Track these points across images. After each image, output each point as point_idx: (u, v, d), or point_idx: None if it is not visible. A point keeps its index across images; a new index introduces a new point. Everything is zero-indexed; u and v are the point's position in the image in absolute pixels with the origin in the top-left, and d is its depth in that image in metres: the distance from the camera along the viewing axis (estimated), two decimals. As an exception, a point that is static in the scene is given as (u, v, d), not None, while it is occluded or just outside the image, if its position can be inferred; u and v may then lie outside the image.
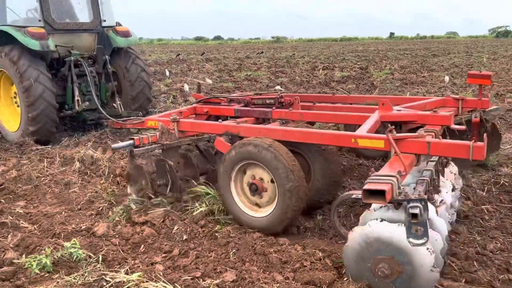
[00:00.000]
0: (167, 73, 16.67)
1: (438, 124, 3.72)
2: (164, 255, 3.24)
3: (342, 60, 23.02)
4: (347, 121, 4.38)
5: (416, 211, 2.42)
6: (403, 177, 2.75)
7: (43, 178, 4.92)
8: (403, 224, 2.50)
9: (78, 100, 6.54)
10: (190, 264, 3.07)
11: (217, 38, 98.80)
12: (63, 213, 4.01)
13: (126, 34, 7.15)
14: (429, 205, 2.61)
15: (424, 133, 3.12)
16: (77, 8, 7.36)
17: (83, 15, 7.25)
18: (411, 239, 2.46)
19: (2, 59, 6.32)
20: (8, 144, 6.28)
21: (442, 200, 3.06)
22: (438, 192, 3.14)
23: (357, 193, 2.74)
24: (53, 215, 3.95)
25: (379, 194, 2.47)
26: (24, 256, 3.08)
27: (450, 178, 3.53)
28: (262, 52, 33.02)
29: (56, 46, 6.54)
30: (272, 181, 3.46)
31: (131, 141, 4.14)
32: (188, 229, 3.57)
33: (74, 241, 3.25)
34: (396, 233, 2.51)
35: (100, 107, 6.43)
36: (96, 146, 5.96)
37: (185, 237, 3.48)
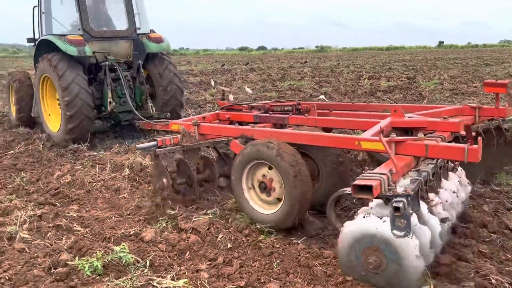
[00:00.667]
0: (212, 83, 16.95)
1: (447, 130, 3.82)
2: (209, 262, 3.28)
3: (388, 69, 22.54)
4: (360, 127, 4.43)
5: (399, 205, 2.57)
6: (395, 175, 2.90)
7: (95, 183, 5.14)
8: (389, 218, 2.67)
9: (110, 101, 6.90)
10: (234, 273, 3.09)
11: (261, 48, 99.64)
12: (113, 218, 4.15)
13: (158, 40, 7.53)
14: (421, 202, 2.85)
15: (423, 137, 3.28)
16: (114, 17, 7.82)
17: (120, 24, 7.71)
18: (394, 231, 2.64)
19: (45, 65, 6.83)
20: (64, 150, 6.61)
21: (437, 199, 3.18)
22: (436, 192, 3.28)
23: (349, 189, 2.85)
24: (103, 220, 4.10)
25: (367, 189, 2.65)
26: (77, 258, 3.21)
27: (454, 182, 3.66)
28: (306, 62, 32.96)
29: (93, 52, 7.02)
30: (279, 181, 3.65)
31: (154, 142, 4.47)
32: (232, 238, 3.60)
33: (123, 245, 3.36)
34: (382, 226, 2.68)
35: (134, 109, 6.76)
36: (144, 153, 6.15)
37: (229, 245, 3.51)
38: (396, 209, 2.59)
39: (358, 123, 4.49)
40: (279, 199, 3.74)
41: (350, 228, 2.84)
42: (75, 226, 3.93)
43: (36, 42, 7.63)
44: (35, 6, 7.74)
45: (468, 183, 3.99)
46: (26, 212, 4.20)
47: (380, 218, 2.73)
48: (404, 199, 2.60)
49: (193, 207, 4.29)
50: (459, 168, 3.91)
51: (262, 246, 3.46)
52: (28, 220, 4.03)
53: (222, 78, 20.10)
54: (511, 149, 4.97)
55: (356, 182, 2.74)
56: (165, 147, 4.48)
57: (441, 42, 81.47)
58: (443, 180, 3.53)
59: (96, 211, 4.39)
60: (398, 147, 3.27)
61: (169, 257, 3.36)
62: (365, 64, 27.90)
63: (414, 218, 2.74)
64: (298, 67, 27.25)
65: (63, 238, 3.64)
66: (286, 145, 3.68)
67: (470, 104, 4.94)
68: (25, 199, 4.69)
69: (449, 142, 3.64)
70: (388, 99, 11.36)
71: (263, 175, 3.82)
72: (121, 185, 5.01)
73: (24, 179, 5.36)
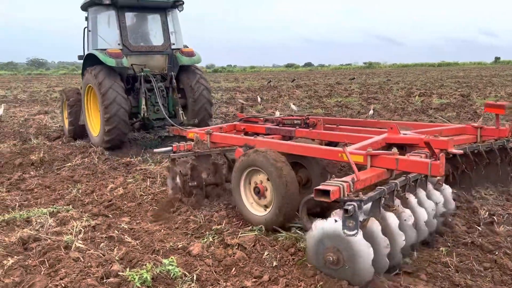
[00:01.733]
0: (259, 100, 17.16)
1: (437, 147, 3.95)
2: (254, 280, 3.27)
3: (440, 86, 21.81)
4: (357, 141, 4.55)
5: (349, 207, 2.88)
6: (357, 183, 3.21)
7: (145, 196, 5.30)
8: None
9: (144, 109, 7.68)
10: (280, 291, 3.05)
11: (308, 64, 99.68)
12: (162, 231, 4.26)
13: (190, 54, 8.27)
14: (382, 210, 3.26)
15: (396, 151, 3.59)
16: (151, 34, 8.65)
17: (156, 40, 8.52)
18: (345, 231, 2.95)
19: (89, 76, 7.66)
20: (117, 163, 6.90)
21: (401, 208, 3.45)
22: (405, 203, 3.55)
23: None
24: (153, 232, 4.21)
25: (326, 193, 2.99)
26: (128, 269, 3.31)
27: (433, 196, 3.94)
28: (354, 78, 32.56)
29: (132, 65, 7.89)
30: (270, 185, 4.04)
31: (170, 148, 5.07)
32: (278, 256, 3.57)
33: (171, 258, 3.43)
34: (338, 226, 3.00)
35: (166, 116, 7.56)
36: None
37: (275, 263, 3.49)
38: (346, 211, 2.90)
39: (356, 138, 4.69)
40: (270, 203, 4.10)
41: (316, 228, 3.18)
42: (126, 238, 4.06)
43: (83, 60, 8.47)
44: (85, 28, 8.63)
45: (454, 199, 4.26)
46: (81, 222, 4.40)
47: (336, 221, 3.05)
48: (354, 203, 2.91)
49: (239, 223, 4.32)
50: (444, 185, 4.16)
51: (308, 265, 3.40)
52: (83, 230, 4.22)
53: (268, 95, 20.25)
54: None
55: (319, 187, 3.08)
56: (179, 152, 4.99)
57: (497, 58, 77.82)
58: (420, 194, 3.79)
59: (146, 223, 4.52)
60: (373, 160, 3.62)
61: (215, 272, 3.39)
62: (415, 81, 27.15)
63: (372, 221, 3.12)
64: (345, 84, 26.98)
65: (115, 249, 3.76)
66: (275, 153, 4.05)
67: (473, 124, 5.18)
68: (81, 210, 4.93)
69: (437, 158, 3.81)
70: (440, 117, 10.96)
71: (258, 181, 4.21)
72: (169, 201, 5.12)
73: (80, 191, 5.64)
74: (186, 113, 8.16)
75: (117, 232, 4.19)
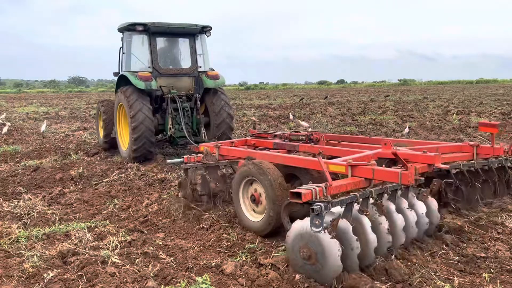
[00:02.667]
0: (291, 117, 17.16)
1: (424, 162, 4.40)
2: (287, 301, 3.22)
3: (479, 104, 21.16)
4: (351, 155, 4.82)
5: (316, 207, 3.27)
6: (330, 188, 3.56)
7: (183, 212, 5.35)
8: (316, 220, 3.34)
9: (170, 128, 8.35)
10: (314, 314, 2.99)
11: (340, 81, 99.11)
12: (195, 248, 4.28)
13: (215, 77, 8.79)
14: (356, 213, 3.61)
15: (373, 163, 3.97)
16: (180, 57, 9.27)
17: (184, 63, 9.13)
18: (312, 228, 3.33)
19: (121, 96, 8.27)
20: (152, 179, 7.03)
21: (375, 214, 3.74)
22: (381, 210, 3.79)
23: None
24: (187, 249, 4.24)
25: (299, 196, 3.37)
26: (162, 286, 3.34)
27: (415, 206, 4.17)
28: (388, 96, 32.08)
29: (160, 86, 8.49)
30: (264, 193, 4.37)
31: (181, 159, 5.59)
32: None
33: (205, 277, 3.43)
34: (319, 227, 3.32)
35: (187, 135, 8.27)
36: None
37: (306, 285, 3.42)
38: (313, 210, 3.28)
39: (352, 152, 4.94)
40: (263, 210, 4.43)
41: (293, 228, 3.56)
42: (161, 254, 4.10)
43: (117, 77, 9.12)
44: (120, 47, 9.30)
45: (439, 211, 4.45)
46: (117, 237, 4.49)
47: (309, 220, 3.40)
48: (321, 204, 3.30)
49: (272, 242, 4.29)
50: (430, 198, 4.38)
51: (343, 289, 3.33)
52: (119, 245, 4.30)
53: (300, 112, 20.23)
54: None
55: (292, 190, 3.47)
56: (189, 163, 5.49)
57: (540, 74, 74.78)
58: (400, 203, 4.05)
59: (180, 240, 4.56)
60: (353, 170, 3.99)
61: (248, 292, 3.36)
62: (452, 98, 26.47)
63: (343, 222, 3.47)
64: (379, 101, 26.62)
65: (150, 265, 3.81)
66: (268, 164, 4.42)
67: (470, 142, 5.42)
68: (117, 225, 5.03)
69: (425, 172, 4.32)
70: (479, 136, 10.59)
71: (254, 190, 4.56)
72: (203, 216, 5.16)
73: (117, 206, 5.77)
74: (209, 131, 8.77)
75: (152, 248, 4.24)
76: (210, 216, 5.12)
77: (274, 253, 3.98)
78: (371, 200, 3.82)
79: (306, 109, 21.79)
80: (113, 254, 4.03)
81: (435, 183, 4.77)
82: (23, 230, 4.83)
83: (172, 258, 4.03)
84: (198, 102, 8.67)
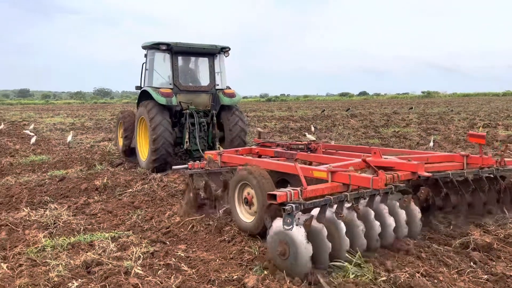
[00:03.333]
0: (312, 129, 17.10)
1: (408, 170, 4.65)
2: (310, 317, 3.17)
3: (506, 117, 20.64)
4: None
5: (288, 207, 3.63)
6: (305, 191, 3.95)
7: (201, 224, 5.37)
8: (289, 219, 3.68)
9: (186, 141, 8.91)
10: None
11: (362, 93, 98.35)
12: (217, 260, 4.27)
13: (231, 95, 9.34)
14: (331, 215, 3.96)
15: (352, 169, 4.35)
16: (199, 75, 9.84)
17: (203, 81, 9.71)
18: (284, 226, 3.69)
19: (143, 110, 8.81)
20: (174, 190, 7.10)
21: (349, 216, 4.06)
22: (357, 212, 4.10)
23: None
24: (208, 262, 4.24)
25: (274, 197, 3.76)
26: (184, 298, 3.34)
27: (394, 211, 4.42)
28: (412, 108, 31.65)
29: (180, 102, 9.01)
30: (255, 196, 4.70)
31: (186, 165, 5.99)
32: (335, 293, 3.46)
33: (227, 290, 3.41)
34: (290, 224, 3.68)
35: (199, 148, 8.82)
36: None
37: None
38: (284, 209, 3.63)
39: (341, 160, 5.23)
40: (255, 212, 4.75)
41: (272, 227, 3.91)
42: (183, 266, 4.11)
43: (140, 91, 9.57)
44: (143, 63, 9.77)
45: (421, 219, 4.68)
46: (140, 248, 4.53)
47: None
48: (292, 205, 3.65)
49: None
50: (413, 206, 4.65)
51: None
52: (142, 256, 4.33)
53: (322, 124, 20.14)
54: (506, 196, 5.47)
55: (270, 192, 3.87)
56: (193, 170, 5.88)
57: None
58: (378, 207, 4.32)
59: (201, 252, 4.56)
60: (333, 175, 4.35)
61: (270, 306, 3.32)
62: (478, 111, 25.92)
63: (316, 222, 3.84)
64: (403, 113, 26.28)
65: (172, 277, 3.82)
66: (259, 169, 4.78)
67: (461, 153, 5.67)
68: (140, 235, 5.08)
69: (409, 179, 4.66)
70: (509, 151, 10.29)
71: (247, 193, 4.87)
72: (225, 229, 5.16)
73: (140, 217, 5.83)
74: (224, 145, 9.22)
75: (174, 259, 4.26)
76: (232, 228, 5.13)
77: (296, 267, 3.93)
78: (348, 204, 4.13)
79: (328, 121, 21.68)
80: (136, 265, 4.07)
81: (423, 191, 4.99)
82: (49, 239, 4.93)
83: (194, 270, 4.03)
84: (215, 118, 9.27)
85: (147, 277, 3.80)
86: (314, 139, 13.16)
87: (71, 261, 4.22)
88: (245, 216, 4.99)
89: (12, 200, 6.82)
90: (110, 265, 4.08)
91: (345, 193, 4.10)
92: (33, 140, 14.38)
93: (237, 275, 3.86)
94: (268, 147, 6.88)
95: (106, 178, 7.90)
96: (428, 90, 78.55)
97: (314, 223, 3.81)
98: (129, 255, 4.36)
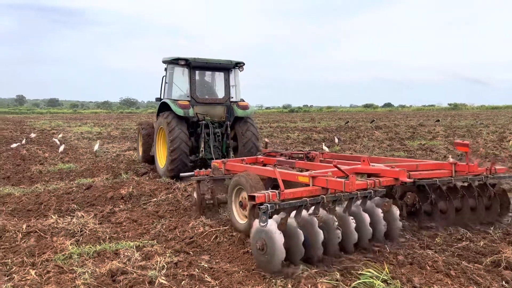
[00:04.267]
0: (336, 140, 16.96)
1: (391, 176, 5.13)
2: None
3: (538, 130, 19.97)
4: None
5: (263, 206, 4.12)
6: (283, 194, 4.42)
7: (225, 235, 5.37)
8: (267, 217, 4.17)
9: (201, 150, 9.41)
10: None
11: (387, 105, 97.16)
12: (240, 272, 4.25)
13: (244, 108, 9.80)
14: (307, 215, 4.42)
15: (330, 174, 4.82)
16: (215, 88, 10.37)
17: (218, 94, 10.24)
18: (260, 223, 4.15)
19: (162, 120, 9.37)
20: (217, 210, 7.12)
21: (325, 217, 4.51)
22: (334, 214, 4.55)
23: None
24: (232, 273, 4.22)
25: (254, 198, 4.29)
26: (208, 310, 3.32)
27: (372, 213, 4.81)
28: (438, 120, 31.06)
29: (196, 113, 9.57)
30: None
31: (192, 173, 6.53)
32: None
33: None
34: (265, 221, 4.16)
35: (213, 156, 9.28)
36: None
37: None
38: (259, 208, 4.10)
39: (333, 168, 5.52)
40: (248, 214, 5.19)
41: (253, 226, 4.32)
42: (206, 277, 4.11)
43: (159, 102, 10.12)
44: (163, 76, 10.36)
45: (401, 221, 5.10)
46: (164, 258, 4.55)
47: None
48: (268, 205, 4.15)
49: (317, 267, 4.19)
50: (394, 208, 5.01)
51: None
52: (166, 266, 4.35)
53: (346, 136, 19.95)
54: (497, 203, 5.71)
55: (250, 194, 4.45)
56: (199, 176, 6.40)
57: None
58: (355, 210, 4.73)
59: (225, 263, 4.55)
60: (314, 180, 4.83)
61: (294, 321, 3.27)
62: (508, 124, 25.20)
63: (291, 219, 4.30)
64: (429, 126, 25.80)
65: (196, 288, 3.82)
66: (253, 175, 5.32)
67: (449, 161, 6.05)
68: (164, 245, 5.11)
69: (392, 184, 5.13)
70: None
71: (242, 197, 5.34)
72: (247, 240, 5.13)
73: (164, 226, 5.87)
74: (237, 154, 9.66)
75: (197, 270, 4.26)
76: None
77: (319, 280, 3.88)
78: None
79: (352, 133, 21.47)
80: (160, 275, 4.09)
81: (409, 196, 5.44)
82: (76, 246, 5.01)
83: (217, 282, 4.02)
84: (229, 129, 9.73)
85: (171, 287, 3.81)
86: (328, 150, 13.18)
87: (97, 269, 4.27)
88: (240, 218, 5.48)
89: (41, 207, 6.99)
90: (134, 274, 4.11)
91: (322, 195, 4.56)
92: (61, 148, 14.76)
93: (262, 287, 3.82)
94: (273, 156, 7.38)
95: (131, 187, 8.01)
96: (455, 102, 76.98)
97: (290, 221, 4.26)
98: (153, 265, 4.39)
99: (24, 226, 5.74)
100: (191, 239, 5.29)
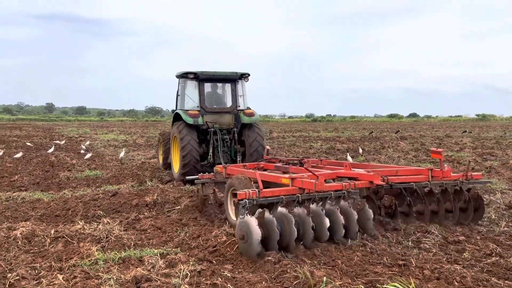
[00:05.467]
0: (360, 151, 16.78)
1: (367, 180, 5.87)
2: None
3: None
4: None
5: (242, 202, 5.01)
6: (262, 192, 5.26)
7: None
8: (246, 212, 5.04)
9: (211, 155, 10.27)
10: None
11: (412, 115, 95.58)
12: (263, 282, 4.23)
13: (250, 115, 10.48)
14: (283, 210, 5.23)
15: (305, 176, 5.71)
16: (222, 98, 11.18)
17: (226, 103, 11.03)
18: (240, 216, 5.00)
19: (175, 129, 10.19)
20: (218, 210, 7.16)
21: (298, 212, 5.32)
22: (308, 211, 5.30)
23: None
24: (254, 283, 4.20)
25: (236, 195, 5.19)
26: (230, 320, 3.32)
27: (346, 210, 5.56)
28: (466, 131, 30.35)
29: (206, 122, 10.28)
30: None
31: (197, 176, 7.43)
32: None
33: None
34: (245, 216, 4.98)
35: (222, 161, 9.83)
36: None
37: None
38: (239, 203, 4.98)
39: (325, 172, 6.19)
40: None
41: (238, 220, 5.08)
42: (229, 287, 4.11)
43: (173, 113, 11.09)
44: (177, 90, 11.29)
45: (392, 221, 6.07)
46: (188, 266, 4.58)
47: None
48: (246, 200, 5.03)
49: (342, 282, 4.13)
50: (367, 209, 5.70)
51: None
52: (189, 274, 4.38)
53: (370, 146, 19.71)
54: (470, 207, 6.28)
55: (233, 192, 5.60)
56: (203, 179, 7.30)
57: None
58: (329, 208, 5.49)
59: (247, 273, 4.54)
60: (293, 181, 5.67)
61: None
62: (540, 135, 24.36)
63: (267, 213, 5.06)
64: (456, 137, 25.23)
65: (218, 297, 3.81)
66: (244, 178, 6.03)
67: (427, 167, 6.68)
68: (187, 253, 5.14)
69: (369, 187, 5.97)
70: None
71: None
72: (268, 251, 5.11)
73: (187, 234, 5.91)
74: (244, 159, 10.30)
75: (220, 279, 4.27)
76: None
77: (344, 294, 3.83)
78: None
79: (376, 143, 21.20)
80: (183, 283, 4.12)
81: (386, 199, 6.11)
82: (102, 252, 5.10)
83: (240, 292, 4.01)
84: (236, 135, 10.46)
85: (194, 296, 3.82)
86: (351, 160, 13.46)
87: (122, 276, 4.33)
88: (234, 215, 6.25)
89: (69, 213, 7.16)
90: (158, 281, 4.15)
91: (298, 194, 5.43)
92: (88, 155, 15.10)
93: (284, 298, 3.79)
94: (273, 162, 8.07)
95: (156, 194, 8.12)
96: (483, 113, 75.06)
97: (267, 215, 5.02)
98: (176, 273, 4.42)
99: (52, 231, 5.89)
100: (214, 248, 5.30)
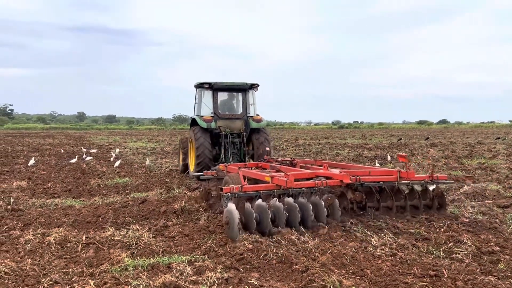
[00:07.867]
0: (389, 158, 16.50)
1: (339, 179, 6.88)
2: None
3: None
4: (306, 173, 7.39)
5: (225, 194, 6.20)
6: (244, 187, 6.38)
7: (274, 252, 5.33)
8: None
9: (222, 157, 11.70)
10: None
11: (442, 121, 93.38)
12: (290, 291, 4.20)
13: (258, 120, 12.03)
14: (259, 201, 6.28)
15: (283, 175, 6.68)
16: (234, 106, 12.70)
17: (237, 110, 12.58)
18: (223, 205, 6.27)
19: (191, 133, 11.86)
20: (219, 202, 7.18)
21: (275, 204, 6.34)
22: (282, 201, 6.40)
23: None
24: (282, 292, 4.18)
25: (222, 189, 6.35)
26: (258, 328, 3.31)
27: (317, 203, 6.58)
28: (499, 138, 29.40)
29: (219, 126, 11.86)
30: None
31: (201, 173, 9.16)
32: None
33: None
34: (229, 205, 6.01)
35: (231, 162, 11.11)
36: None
37: None
38: (223, 196, 6.24)
39: (304, 172, 7.45)
40: None
41: (224, 209, 6.06)
42: (256, 295, 4.09)
43: (191, 119, 12.62)
44: (195, 98, 12.76)
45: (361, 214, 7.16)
46: (215, 273, 4.60)
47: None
48: (229, 193, 6.17)
49: (371, 293, 4.06)
50: (335, 203, 6.71)
51: None
52: (216, 281, 4.39)
53: (399, 153, 19.32)
54: (435, 203, 7.37)
55: (219, 186, 7.02)
56: (207, 176, 9.04)
57: None
58: (301, 201, 6.45)
59: (275, 282, 4.52)
60: (272, 179, 6.68)
61: None
62: None
63: (247, 203, 6.23)
64: (488, 144, 24.46)
65: (246, 305, 3.81)
66: (236, 175, 7.08)
67: (396, 169, 7.67)
68: (215, 260, 5.16)
69: (339, 185, 7.02)
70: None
71: None
72: (297, 258, 5.08)
73: (215, 241, 5.93)
74: (253, 160, 11.39)
75: (247, 287, 4.26)
76: (307, 259, 5.04)
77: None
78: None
79: (405, 150, 20.79)
80: (211, 290, 4.12)
81: (357, 195, 7.07)
82: (131, 259, 5.19)
83: (267, 300, 3.99)
84: (245, 139, 11.94)
85: (222, 303, 3.83)
86: (379, 165, 14.52)
87: (151, 282, 4.39)
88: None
89: (99, 220, 7.32)
90: (186, 288, 4.18)
91: (275, 189, 6.55)
92: (117, 163, 15.44)
93: (312, 308, 3.75)
94: (270, 162, 9.00)
95: (183, 201, 8.21)
96: (518, 119, 72.47)
97: (247, 205, 6.12)
98: (204, 280, 4.44)
99: (84, 238, 6.03)
100: (241, 256, 5.30)
